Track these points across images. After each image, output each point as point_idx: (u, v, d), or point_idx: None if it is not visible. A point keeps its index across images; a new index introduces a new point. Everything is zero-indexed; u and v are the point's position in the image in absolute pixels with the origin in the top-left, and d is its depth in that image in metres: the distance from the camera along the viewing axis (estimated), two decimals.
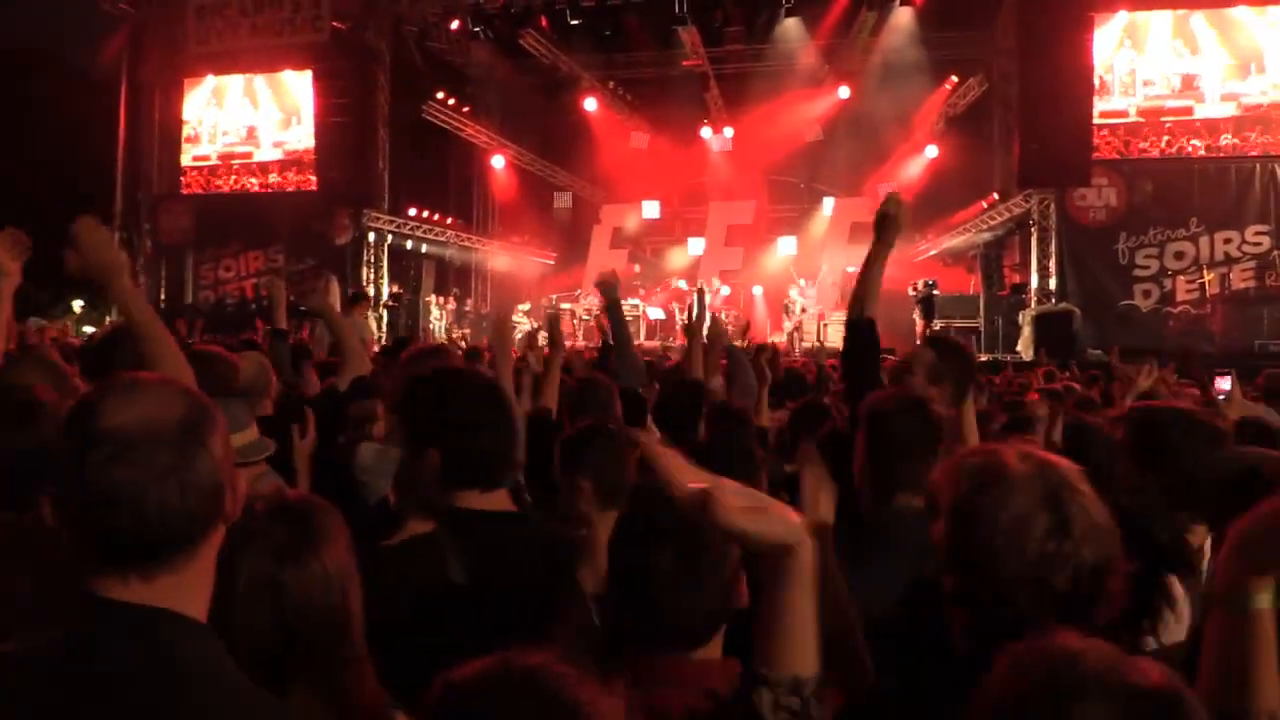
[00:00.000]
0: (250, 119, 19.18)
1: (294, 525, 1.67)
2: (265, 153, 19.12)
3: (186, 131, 19.33)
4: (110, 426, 1.33)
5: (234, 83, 19.13)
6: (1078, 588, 1.52)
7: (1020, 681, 1.15)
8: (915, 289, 16.56)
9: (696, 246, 21.77)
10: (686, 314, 18.23)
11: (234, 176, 19.22)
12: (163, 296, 18.78)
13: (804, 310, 18.78)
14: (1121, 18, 15.70)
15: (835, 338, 17.36)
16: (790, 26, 18.88)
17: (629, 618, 1.69)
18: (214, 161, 19.30)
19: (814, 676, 1.38)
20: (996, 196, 17.37)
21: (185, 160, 19.33)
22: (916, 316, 16.41)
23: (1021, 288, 16.14)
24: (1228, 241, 15.05)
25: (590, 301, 19.97)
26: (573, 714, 1.11)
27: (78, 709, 1.27)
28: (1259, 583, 1.42)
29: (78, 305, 17.79)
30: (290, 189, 18.79)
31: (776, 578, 1.38)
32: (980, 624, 1.56)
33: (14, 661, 1.31)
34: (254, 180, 19.14)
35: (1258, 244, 14.98)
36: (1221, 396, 5.59)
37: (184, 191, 19.33)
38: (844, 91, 19.62)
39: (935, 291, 16.21)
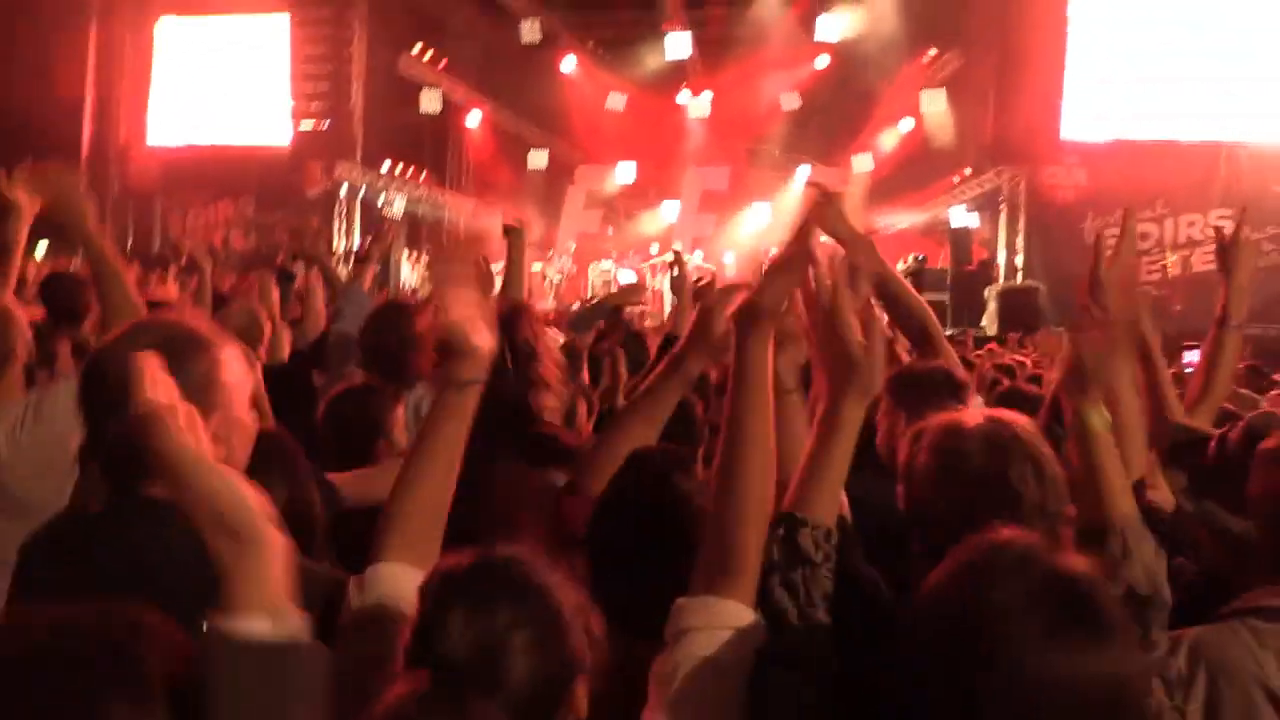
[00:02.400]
0: (223, 64, 18.91)
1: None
2: (237, 99, 18.88)
3: (157, 74, 19.04)
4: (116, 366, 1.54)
5: (207, 24, 18.84)
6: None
7: (951, 564, 1.29)
8: (906, 263, 16.71)
9: (671, 211, 21.77)
10: (669, 274, 18.31)
11: (204, 123, 18.97)
12: (129, 244, 18.58)
13: None
14: None
15: None
16: None
17: None
18: (184, 106, 19.04)
19: (833, 528, 1.61)
20: (969, 171, 17.49)
21: (155, 104, 19.06)
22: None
23: (989, 263, 16.31)
24: (1191, 224, 15.28)
25: (563, 262, 19.96)
26: (547, 602, 1.36)
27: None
28: (1087, 406, 1.68)
29: (43, 245, 17.56)
30: (262, 138, 18.59)
31: (829, 427, 1.63)
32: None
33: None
34: (225, 128, 18.90)
35: (1221, 227, 15.18)
36: (1190, 370, 5.73)
37: (153, 137, 19.08)
38: (824, 60, 19.60)
39: (925, 266, 16.37)
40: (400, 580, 1.57)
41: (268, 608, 1.21)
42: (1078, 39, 15.62)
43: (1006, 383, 5.39)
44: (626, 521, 1.96)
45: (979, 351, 7.88)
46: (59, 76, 17.00)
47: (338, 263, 13.81)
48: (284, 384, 3.60)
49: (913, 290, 3.24)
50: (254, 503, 1.26)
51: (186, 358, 1.66)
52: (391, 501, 1.68)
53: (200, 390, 1.63)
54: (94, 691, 1.06)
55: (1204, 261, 15.19)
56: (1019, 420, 1.79)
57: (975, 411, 1.90)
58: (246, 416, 1.77)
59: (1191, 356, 6.56)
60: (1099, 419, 1.68)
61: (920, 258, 16.62)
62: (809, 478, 1.63)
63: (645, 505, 1.95)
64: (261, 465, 1.78)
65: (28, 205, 2.60)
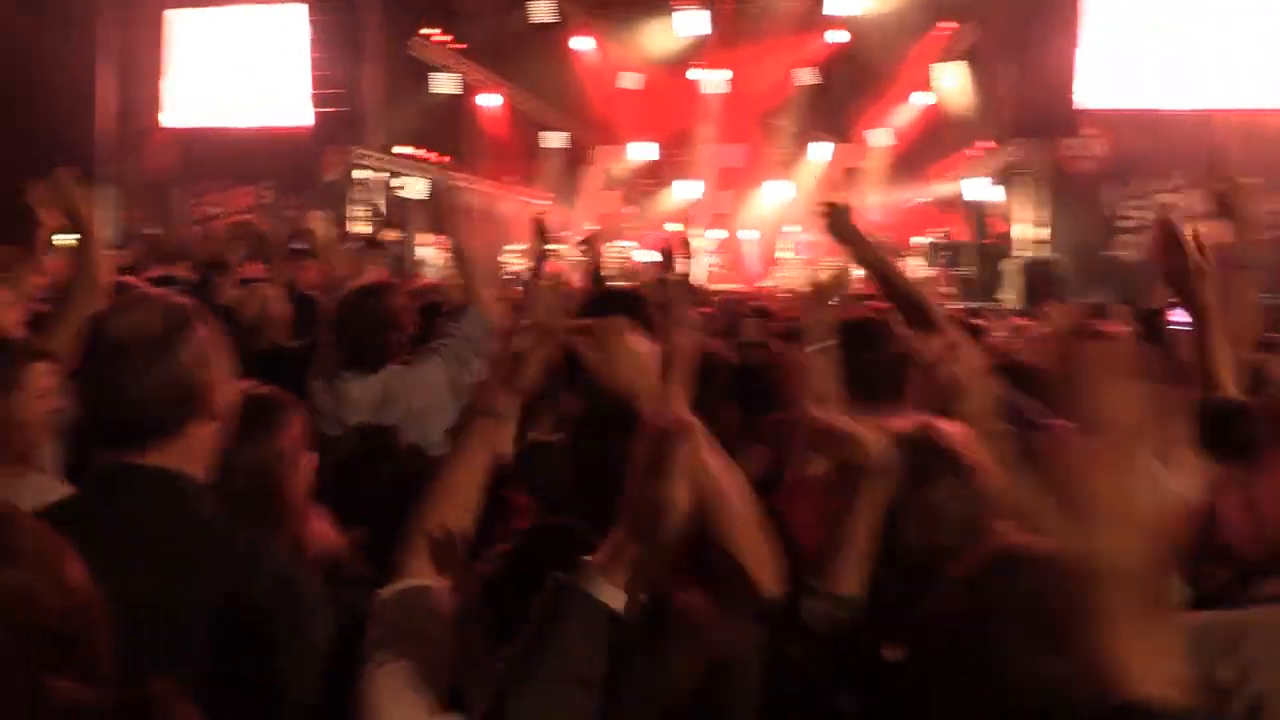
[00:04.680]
0: (240, 52, 18.99)
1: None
2: (254, 85, 18.96)
3: (172, 62, 19.13)
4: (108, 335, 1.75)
5: (223, 14, 18.92)
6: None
7: (953, 574, 1.33)
8: (936, 238, 16.70)
9: (688, 189, 21.73)
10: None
11: (222, 111, 19.07)
12: (157, 230, 18.70)
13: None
14: None
15: None
16: None
17: None
18: (201, 91, 19.14)
19: (859, 598, 1.62)
20: (989, 144, 17.37)
21: (170, 92, 19.16)
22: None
23: (1005, 236, 16.23)
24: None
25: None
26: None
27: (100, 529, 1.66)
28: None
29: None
30: (279, 125, 18.67)
31: (852, 500, 1.62)
32: None
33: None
34: (242, 115, 18.99)
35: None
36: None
37: (169, 125, 19.18)
38: (839, 35, 19.48)
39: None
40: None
41: None
42: (1094, 7, 15.45)
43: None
44: None
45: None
46: (71, 68, 17.07)
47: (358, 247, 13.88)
48: None
49: (902, 271, 3.24)
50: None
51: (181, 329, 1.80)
52: (419, 518, 1.75)
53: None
54: None
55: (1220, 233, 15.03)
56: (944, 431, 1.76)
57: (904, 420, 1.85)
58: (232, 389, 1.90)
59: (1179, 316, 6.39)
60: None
61: (945, 232, 16.61)
62: (830, 550, 1.67)
63: None
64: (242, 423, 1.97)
65: (50, 220, 3.04)
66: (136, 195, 18.97)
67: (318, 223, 4.80)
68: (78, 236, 2.86)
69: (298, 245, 5.89)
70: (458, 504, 1.74)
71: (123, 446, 1.75)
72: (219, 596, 1.67)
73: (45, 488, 2.23)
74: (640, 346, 1.67)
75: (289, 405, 2.31)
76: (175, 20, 19.06)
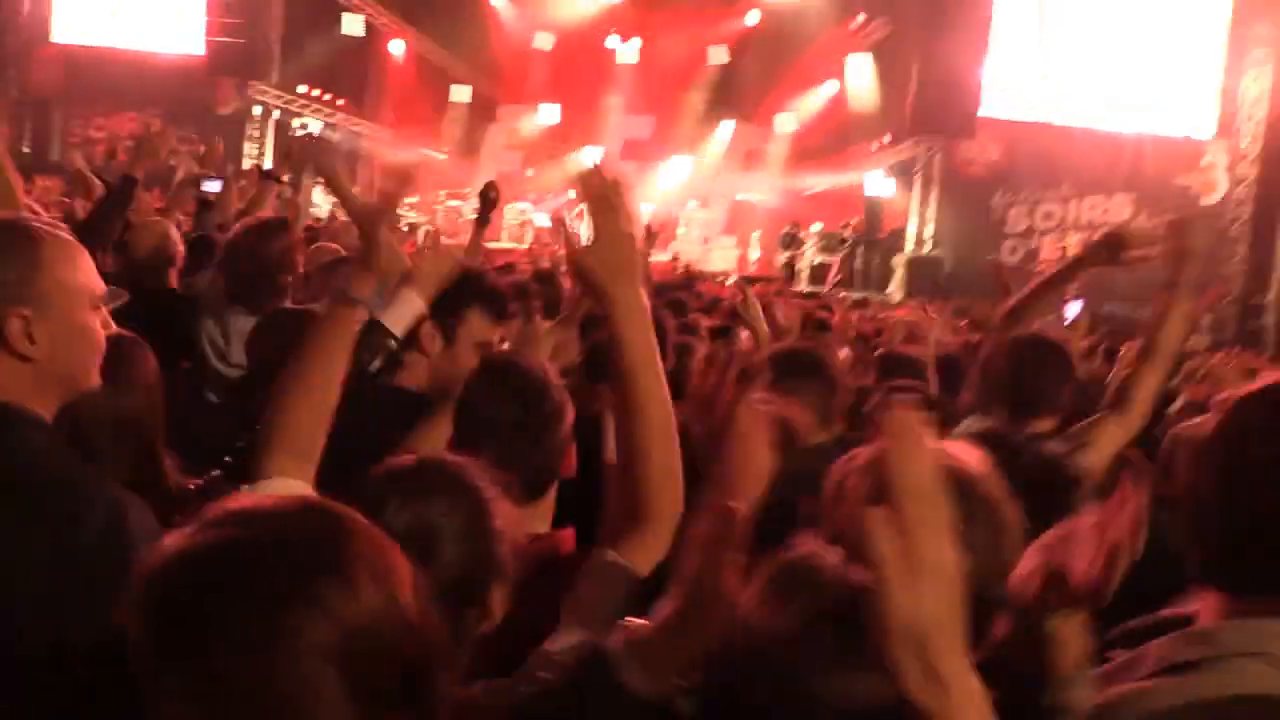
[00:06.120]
0: None
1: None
2: (149, 8, 18.10)
3: None
4: None
5: None
6: None
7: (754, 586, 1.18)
8: (846, 229, 17.04)
9: (591, 156, 21.62)
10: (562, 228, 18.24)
11: (111, 30, 18.16)
12: (25, 149, 17.77)
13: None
14: None
15: (717, 261, 17.69)
16: None
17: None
18: (91, 12, 18.18)
19: None
20: (888, 139, 17.75)
21: (58, 6, 18.16)
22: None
23: (899, 232, 16.66)
24: (1093, 207, 15.80)
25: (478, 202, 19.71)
26: (475, 495, 1.44)
27: None
28: None
29: None
30: (172, 50, 17.88)
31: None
32: None
33: None
34: (133, 36, 18.11)
35: (1122, 211, 15.80)
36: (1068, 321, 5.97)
37: (54, 40, 18.19)
38: (754, 16, 19.60)
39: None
40: (290, 491, 1.54)
41: None
42: (1003, 18, 15.91)
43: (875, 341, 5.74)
44: None
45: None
46: None
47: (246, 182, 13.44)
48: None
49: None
50: None
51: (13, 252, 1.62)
52: (273, 413, 1.66)
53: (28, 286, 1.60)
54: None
55: None
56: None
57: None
58: (90, 322, 1.69)
59: (1073, 308, 6.69)
60: None
61: (851, 222, 17.01)
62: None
63: None
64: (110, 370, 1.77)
65: None
66: (12, 111, 17.96)
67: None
68: None
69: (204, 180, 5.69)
70: (315, 400, 1.66)
71: None
72: (44, 547, 1.52)
73: None
74: (631, 223, 1.54)
75: (142, 347, 2.21)
76: None
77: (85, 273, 1.69)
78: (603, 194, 1.53)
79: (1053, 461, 2.51)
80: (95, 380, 1.73)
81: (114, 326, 1.77)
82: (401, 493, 1.42)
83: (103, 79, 17.86)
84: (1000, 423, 2.72)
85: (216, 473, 2.34)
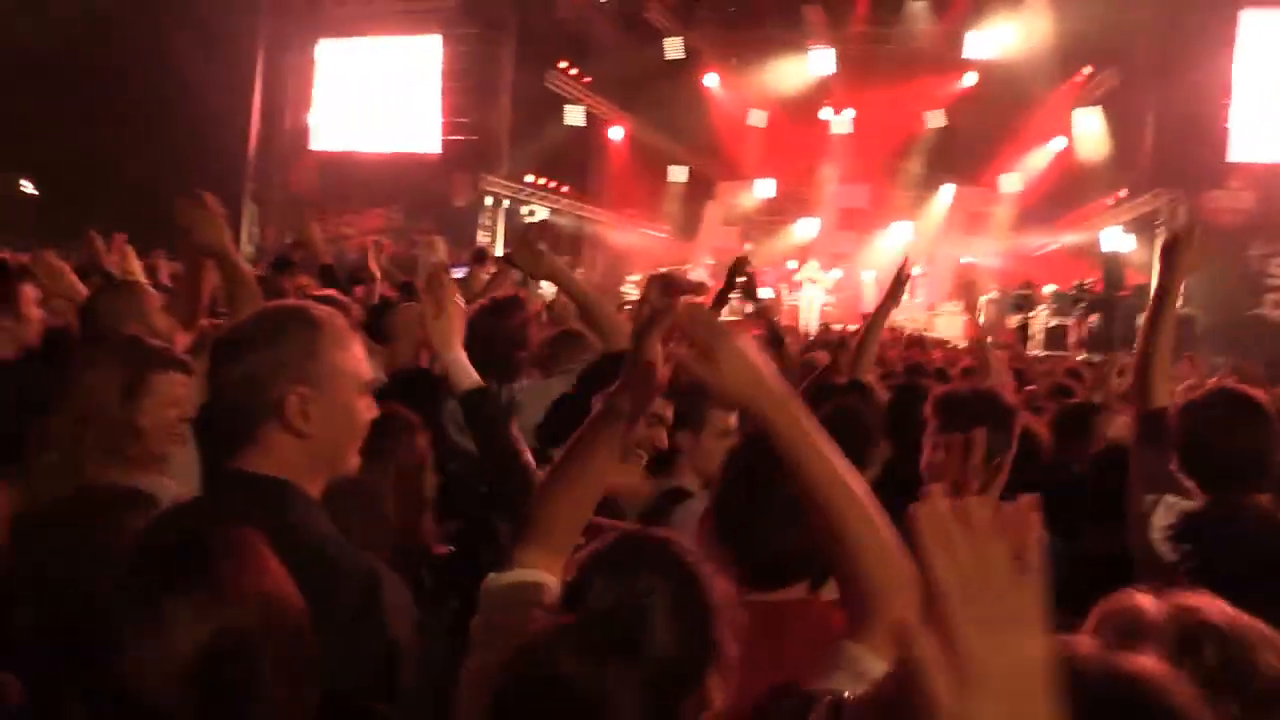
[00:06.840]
0: (379, 81, 19.74)
1: None
2: (392, 115, 19.67)
3: (317, 90, 20.00)
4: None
5: (365, 44, 19.72)
6: None
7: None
8: (1076, 289, 16.38)
9: (808, 227, 21.60)
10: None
11: (360, 136, 19.83)
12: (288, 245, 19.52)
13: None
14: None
15: (944, 328, 17.10)
16: (918, 9, 18.53)
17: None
18: (344, 116, 19.94)
19: None
20: (1124, 193, 16.82)
21: (315, 119, 20.02)
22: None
23: (1144, 288, 15.64)
24: None
25: (700, 275, 20.00)
26: (694, 579, 1.35)
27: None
28: None
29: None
30: (413, 151, 19.32)
31: None
32: None
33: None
34: (378, 139, 19.71)
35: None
36: None
37: (315, 149, 20.05)
38: (971, 78, 19.17)
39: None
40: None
41: None
42: (1246, 56, 14.86)
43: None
44: None
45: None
46: (228, 94, 17.96)
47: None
48: None
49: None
50: None
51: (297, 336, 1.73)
52: (536, 506, 1.69)
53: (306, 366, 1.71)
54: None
55: None
56: (1210, 608, 1.43)
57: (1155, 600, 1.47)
58: (358, 405, 1.78)
59: None
60: None
61: (1086, 283, 16.19)
62: None
63: None
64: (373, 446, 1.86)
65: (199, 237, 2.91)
66: (277, 213, 19.82)
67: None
68: (220, 267, 2.88)
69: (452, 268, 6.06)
70: (575, 497, 1.66)
71: (213, 449, 1.76)
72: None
73: (161, 491, 2.15)
74: (751, 352, 1.46)
75: (408, 424, 2.31)
76: (325, 50, 19.96)
77: (356, 358, 1.78)
78: (698, 319, 1.49)
79: None
80: (355, 463, 1.80)
81: (377, 411, 1.85)
82: (606, 570, 1.36)
83: (352, 180, 19.46)
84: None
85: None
